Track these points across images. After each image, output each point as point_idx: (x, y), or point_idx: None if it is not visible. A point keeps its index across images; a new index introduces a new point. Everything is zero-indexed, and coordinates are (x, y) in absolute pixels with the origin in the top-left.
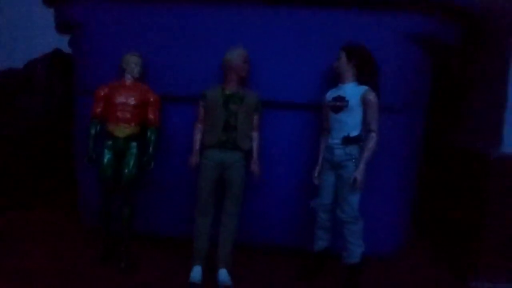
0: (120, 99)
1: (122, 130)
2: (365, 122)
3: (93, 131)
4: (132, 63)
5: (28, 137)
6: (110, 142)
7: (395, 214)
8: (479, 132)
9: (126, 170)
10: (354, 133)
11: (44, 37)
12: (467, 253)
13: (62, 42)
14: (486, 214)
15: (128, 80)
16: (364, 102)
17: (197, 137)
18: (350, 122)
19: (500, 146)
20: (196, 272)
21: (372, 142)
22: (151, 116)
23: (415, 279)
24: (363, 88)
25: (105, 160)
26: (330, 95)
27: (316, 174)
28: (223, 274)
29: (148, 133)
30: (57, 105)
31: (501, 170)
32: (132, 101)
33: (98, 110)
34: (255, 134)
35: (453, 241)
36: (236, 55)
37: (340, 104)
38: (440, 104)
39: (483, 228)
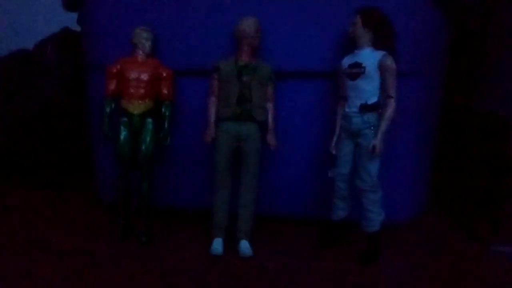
0: (133, 75)
1: (137, 107)
2: (383, 89)
3: (107, 109)
4: (143, 38)
5: (41, 117)
6: (125, 119)
7: (413, 180)
8: (499, 95)
9: (143, 147)
10: (372, 100)
11: (52, 16)
12: (486, 218)
13: (70, 21)
14: (507, 178)
15: (140, 55)
16: (382, 67)
17: (212, 110)
18: (368, 89)
19: None
20: (217, 244)
21: (390, 109)
22: (164, 91)
23: (435, 245)
24: (380, 53)
25: (122, 137)
26: (346, 61)
27: (333, 144)
28: (244, 245)
29: (163, 108)
30: (69, 84)
31: None
32: (145, 76)
33: (111, 87)
34: (269, 105)
35: (472, 206)
36: (248, 25)
37: (357, 71)
38: (459, 67)
39: (503, 192)
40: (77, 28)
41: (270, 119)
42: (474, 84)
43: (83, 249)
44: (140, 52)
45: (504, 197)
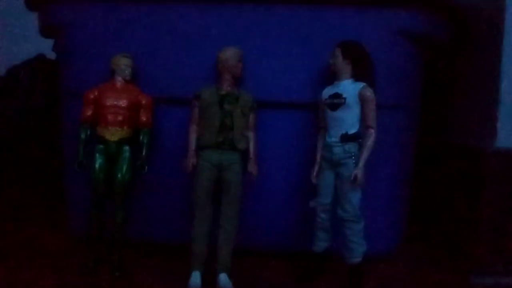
0: (111, 101)
1: (114, 134)
2: (363, 119)
3: (83, 136)
4: (123, 64)
5: (10, 143)
6: (101, 146)
7: (392, 212)
8: (472, 128)
9: (119, 175)
10: (352, 130)
11: (26, 43)
12: (465, 250)
13: (44, 49)
14: (483, 209)
15: (119, 82)
16: (362, 98)
17: (193, 138)
18: (348, 119)
19: (494, 141)
20: (196, 278)
21: (371, 139)
22: (143, 118)
23: (416, 278)
24: (360, 84)
25: (97, 165)
26: (326, 92)
27: (314, 174)
28: (223, 278)
29: (141, 136)
30: (41, 110)
31: (497, 165)
32: (123, 103)
33: (88, 113)
34: (251, 134)
35: (451, 237)
36: (230, 54)
37: (338, 101)
38: (431, 101)
39: (481, 223)
40: (52, 56)
41: (251, 148)
42: (448, 119)
43: (53, 283)
44: (119, 79)
45: (481, 227)
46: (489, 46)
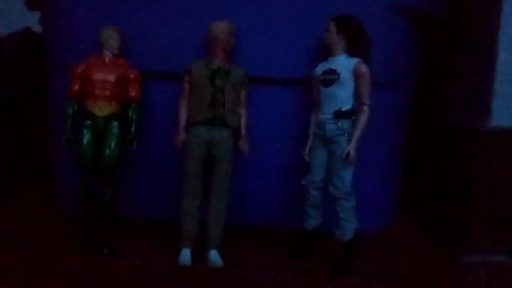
0: (99, 76)
1: (102, 109)
2: (356, 96)
3: (70, 111)
4: (111, 38)
5: None
6: (89, 122)
7: (384, 190)
8: (467, 107)
9: (108, 151)
10: (346, 107)
11: (11, 16)
12: (457, 229)
13: (30, 22)
14: (475, 188)
15: (107, 56)
16: (356, 74)
17: (183, 114)
18: (342, 96)
19: (488, 120)
20: (185, 255)
21: (364, 116)
22: (132, 93)
23: (407, 256)
24: (355, 60)
25: (85, 141)
26: (320, 68)
27: (307, 151)
28: (213, 255)
29: (130, 112)
30: (27, 85)
31: (490, 144)
32: (111, 78)
33: (75, 88)
34: (242, 111)
35: (442, 218)
36: (221, 28)
37: (331, 77)
38: (426, 79)
39: (473, 202)
40: (39, 29)
41: (243, 125)
42: (443, 97)
43: (42, 260)
44: (108, 53)
45: (473, 206)
46: (486, 23)
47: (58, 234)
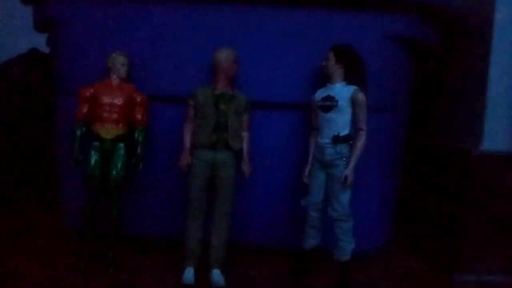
0: (107, 99)
1: (109, 131)
2: (354, 121)
3: (78, 133)
4: (118, 63)
5: (5, 140)
6: (97, 144)
7: (380, 211)
8: (459, 130)
9: (114, 172)
10: (344, 132)
11: (19, 37)
12: (450, 249)
13: (37, 42)
14: (467, 210)
15: (114, 80)
16: (353, 101)
17: (188, 137)
18: (340, 121)
19: (480, 143)
20: (189, 273)
21: (361, 141)
22: (138, 116)
23: (401, 275)
24: (352, 87)
25: (93, 161)
26: (319, 94)
27: (306, 173)
28: (216, 274)
29: (136, 134)
30: (35, 106)
31: (482, 167)
32: (119, 101)
33: (84, 111)
34: (245, 134)
35: (435, 237)
36: (225, 55)
37: (330, 104)
38: (420, 104)
39: (465, 222)
40: (46, 50)
41: (245, 147)
42: (436, 121)
43: (48, 278)
44: (115, 77)
45: (465, 226)
46: (477, 50)
47: (62, 252)
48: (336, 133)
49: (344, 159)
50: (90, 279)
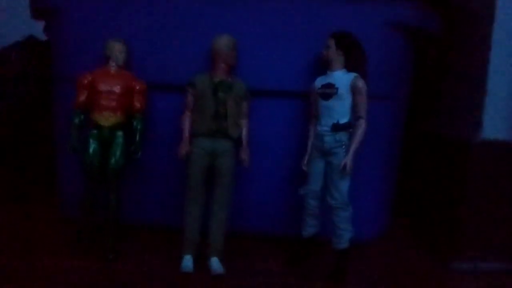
0: (105, 87)
1: (107, 119)
2: (354, 109)
3: (76, 121)
4: (117, 50)
5: (3, 127)
6: (95, 132)
7: (378, 199)
8: (459, 119)
9: (113, 160)
10: (344, 120)
11: (16, 24)
12: (448, 236)
13: (34, 30)
14: (465, 198)
15: (113, 67)
16: (353, 89)
17: (187, 125)
18: (340, 109)
19: (480, 132)
20: (188, 261)
21: (361, 129)
22: (137, 104)
23: (399, 263)
24: (352, 75)
25: (91, 149)
26: (319, 82)
27: (305, 161)
28: (215, 262)
29: (134, 122)
30: (32, 93)
31: (481, 156)
32: (117, 89)
33: (82, 99)
34: (244, 122)
35: (433, 225)
36: (224, 42)
37: (330, 91)
38: (420, 91)
39: (463, 211)
40: (43, 37)
41: (244, 136)
42: (436, 109)
43: (47, 266)
44: (113, 64)
45: (463, 214)
46: (478, 38)
47: (60, 238)
48: (335, 121)
49: (343, 147)
50: (89, 267)
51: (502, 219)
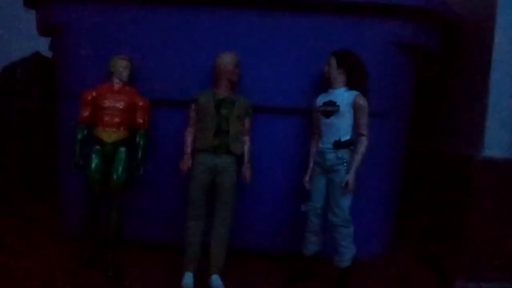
0: (108, 103)
1: (110, 135)
2: (355, 127)
3: (80, 136)
4: (121, 67)
5: (6, 141)
6: (98, 147)
7: (381, 217)
8: (460, 136)
9: (115, 176)
10: (345, 137)
11: (22, 40)
12: (451, 255)
13: (40, 46)
14: (470, 216)
15: (117, 84)
16: (355, 106)
17: (189, 141)
18: (341, 127)
19: (482, 149)
20: (188, 278)
21: (362, 146)
22: (140, 120)
23: (401, 281)
24: (353, 93)
25: (93, 165)
26: (320, 100)
27: (307, 178)
28: (215, 280)
29: (137, 138)
30: (37, 109)
31: (484, 173)
32: (120, 105)
33: (85, 114)
34: (246, 139)
35: (436, 243)
36: (227, 60)
37: (331, 109)
38: (421, 108)
39: (466, 229)
40: (48, 54)
41: (246, 152)
42: (437, 126)
43: (46, 283)
44: (117, 80)
45: (467, 233)
46: (479, 55)
47: (62, 254)
48: (337, 138)
49: (345, 164)
50: (89, 283)
51: (506, 239)
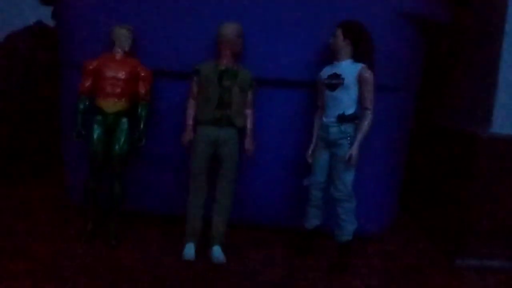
0: (110, 73)
1: (112, 105)
2: (360, 100)
3: (81, 106)
4: (122, 36)
5: (10, 112)
6: (99, 118)
7: (384, 192)
8: (468, 113)
9: (117, 147)
10: (350, 111)
11: (24, 9)
12: (454, 232)
13: (42, 15)
14: (474, 194)
15: (118, 53)
16: (360, 79)
17: (190, 113)
18: (346, 100)
19: (489, 126)
20: (189, 249)
21: (367, 121)
22: (141, 90)
23: (403, 257)
24: (359, 65)
25: (95, 135)
26: (325, 72)
27: (310, 152)
28: (217, 251)
29: (139, 109)
30: (40, 78)
31: (491, 151)
32: (122, 75)
33: (87, 84)
34: (249, 111)
35: (440, 220)
36: (230, 30)
37: (336, 82)
38: (429, 84)
39: (470, 207)
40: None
41: (248, 125)
42: (445, 102)
43: (50, 251)
44: (119, 50)
45: (471, 210)
46: (490, 32)
47: (65, 223)
48: (341, 112)
49: (348, 138)
50: (92, 253)
51: (509, 216)
